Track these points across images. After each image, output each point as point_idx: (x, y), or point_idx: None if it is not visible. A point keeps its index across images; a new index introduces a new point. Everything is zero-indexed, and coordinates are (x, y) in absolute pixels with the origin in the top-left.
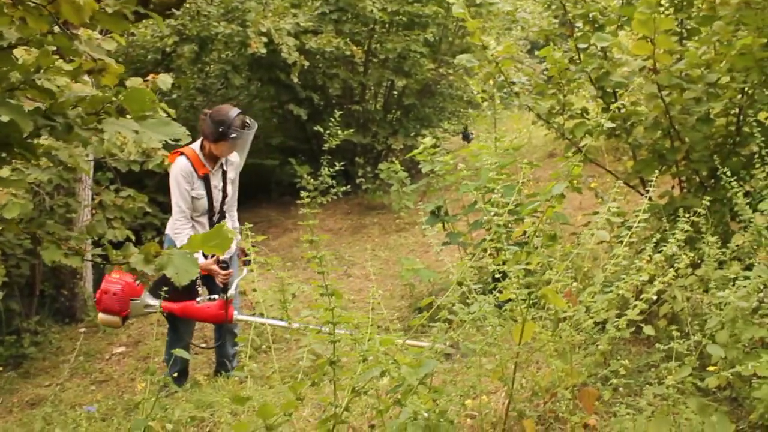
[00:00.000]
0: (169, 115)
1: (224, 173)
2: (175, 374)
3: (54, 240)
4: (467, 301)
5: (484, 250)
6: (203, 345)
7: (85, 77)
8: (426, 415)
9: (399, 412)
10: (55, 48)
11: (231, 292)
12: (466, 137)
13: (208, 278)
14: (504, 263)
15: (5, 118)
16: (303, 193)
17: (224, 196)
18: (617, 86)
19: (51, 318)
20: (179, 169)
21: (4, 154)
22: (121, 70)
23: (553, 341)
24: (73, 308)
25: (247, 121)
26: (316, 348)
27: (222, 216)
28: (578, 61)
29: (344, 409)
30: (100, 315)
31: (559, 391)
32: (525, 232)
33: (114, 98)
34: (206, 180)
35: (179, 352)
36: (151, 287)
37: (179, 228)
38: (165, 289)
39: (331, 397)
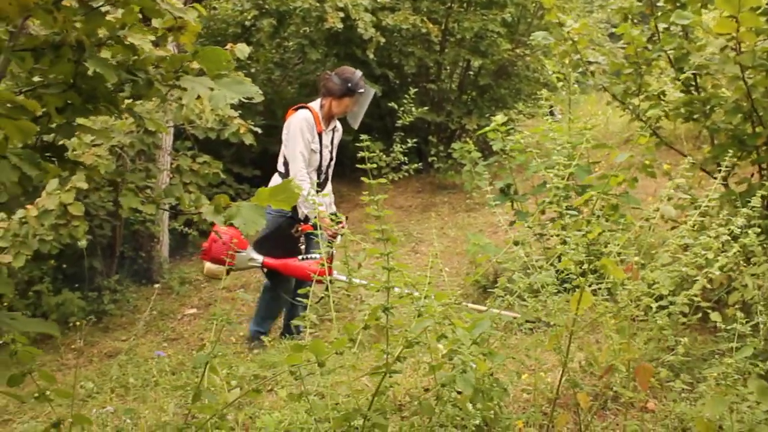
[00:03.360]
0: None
1: (332, 137)
2: (263, 334)
3: (132, 188)
4: (527, 271)
5: (542, 212)
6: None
7: (169, 47)
8: (474, 366)
9: (452, 368)
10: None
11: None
12: (552, 116)
13: (308, 236)
14: (563, 229)
15: (93, 71)
16: (364, 149)
17: (330, 158)
18: (698, 68)
19: (129, 278)
20: (304, 119)
21: (90, 107)
22: (199, 28)
23: (610, 311)
24: (149, 270)
25: None
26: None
27: (326, 177)
28: (657, 41)
29: (396, 359)
30: (207, 265)
31: (615, 364)
32: (587, 202)
33: (191, 58)
34: (320, 138)
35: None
36: (255, 243)
37: (303, 176)
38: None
39: (384, 347)
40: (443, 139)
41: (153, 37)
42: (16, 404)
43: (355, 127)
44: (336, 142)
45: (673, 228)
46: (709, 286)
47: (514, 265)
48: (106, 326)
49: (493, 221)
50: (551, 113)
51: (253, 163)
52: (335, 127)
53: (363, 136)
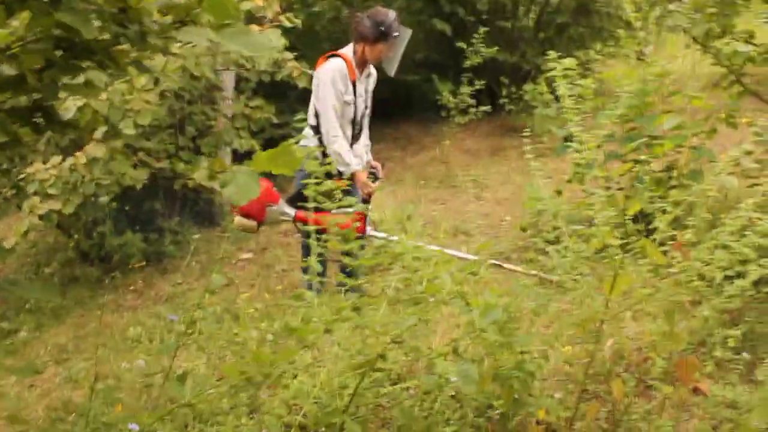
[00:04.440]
0: (294, 27)
1: (367, 85)
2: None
3: (123, 152)
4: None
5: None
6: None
7: None
8: (454, 379)
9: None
10: None
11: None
12: (643, 56)
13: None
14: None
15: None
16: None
17: (365, 107)
18: None
19: (191, 220)
20: (337, 69)
21: (81, 63)
22: None
23: (646, 300)
24: (211, 213)
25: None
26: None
27: (361, 128)
28: None
29: (379, 356)
30: (237, 218)
31: (652, 356)
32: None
33: (197, 6)
34: (354, 87)
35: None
36: (289, 197)
37: (336, 132)
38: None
39: (359, 344)
40: (517, 80)
41: None
42: (74, 345)
43: (391, 74)
44: (371, 88)
45: (751, 186)
46: None
47: (549, 235)
48: (165, 268)
49: (563, 168)
50: (641, 54)
51: None
52: (369, 73)
53: (433, 76)
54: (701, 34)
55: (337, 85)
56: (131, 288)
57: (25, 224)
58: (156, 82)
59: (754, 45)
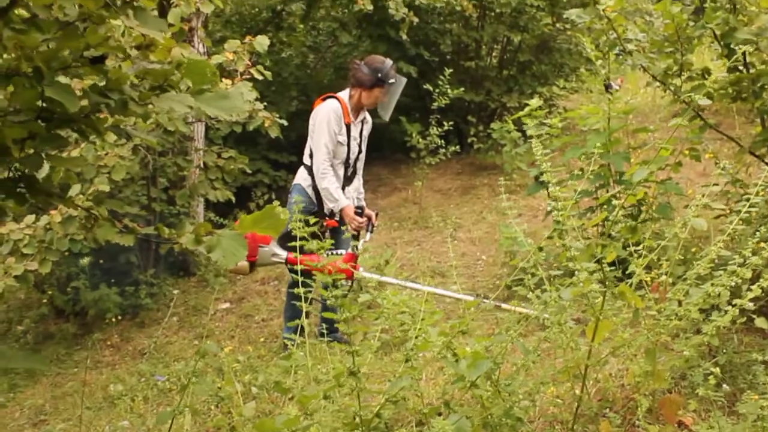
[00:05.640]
0: (264, 77)
1: (361, 129)
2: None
3: (108, 218)
4: (543, 288)
5: (550, 237)
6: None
7: (197, 46)
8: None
9: (448, 413)
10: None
11: (359, 247)
12: (608, 88)
13: (333, 232)
14: (571, 260)
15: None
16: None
17: (359, 151)
18: (744, 43)
19: (166, 271)
20: (332, 110)
21: (62, 133)
22: (171, 43)
23: (628, 343)
24: (186, 262)
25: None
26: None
27: (354, 171)
28: (702, 15)
29: (375, 416)
30: None
31: (637, 397)
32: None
33: (173, 71)
34: (348, 129)
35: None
36: (279, 238)
37: (326, 170)
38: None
39: (354, 404)
40: (483, 118)
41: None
42: (51, 405)
43: (386, 119)
44: (366, 134)
45: (718, 217)
46: (759, 292)
47: (530, 281)
48: (142, 321)
49: (534, 204)
50: (607, 87)
51: (290, 147)
52: (365, 119)
53: (402, 117)
54: (660, 72)
55: (331, 125)
56: (108, 343)
57: (0, 286)
58: (128, 136)
59: (710, 82)
